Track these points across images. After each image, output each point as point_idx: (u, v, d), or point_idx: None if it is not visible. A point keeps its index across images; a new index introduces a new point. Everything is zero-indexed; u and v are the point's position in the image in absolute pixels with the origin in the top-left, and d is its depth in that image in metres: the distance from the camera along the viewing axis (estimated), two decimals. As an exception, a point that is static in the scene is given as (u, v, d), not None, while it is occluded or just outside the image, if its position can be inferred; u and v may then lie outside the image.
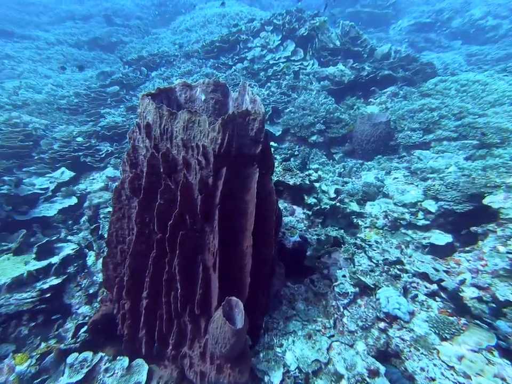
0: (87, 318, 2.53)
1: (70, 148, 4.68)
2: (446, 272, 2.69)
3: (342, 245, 3.07)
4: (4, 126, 5.22)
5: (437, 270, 2.73)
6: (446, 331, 2.21)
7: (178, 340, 2.16)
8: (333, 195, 3.80)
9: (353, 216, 3.59)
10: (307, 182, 3.70)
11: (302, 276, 2.96)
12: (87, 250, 3.07)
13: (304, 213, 3.62)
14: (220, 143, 1.96)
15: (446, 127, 4.63)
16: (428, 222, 3.30)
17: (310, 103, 5.68)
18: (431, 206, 3.33)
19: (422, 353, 2.19)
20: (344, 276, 2.76)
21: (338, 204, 3.63)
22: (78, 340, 2.28)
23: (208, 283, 2.13)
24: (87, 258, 2.93)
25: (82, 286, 2.69)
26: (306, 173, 3.94)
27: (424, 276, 2.72)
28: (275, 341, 2.44)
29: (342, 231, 3.34)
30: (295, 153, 4.85)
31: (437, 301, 2.52)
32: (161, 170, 2.07)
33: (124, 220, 2.24)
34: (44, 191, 4.03)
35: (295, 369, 2.21)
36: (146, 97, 2.09)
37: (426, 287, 2.64)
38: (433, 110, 4.95)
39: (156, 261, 2.09)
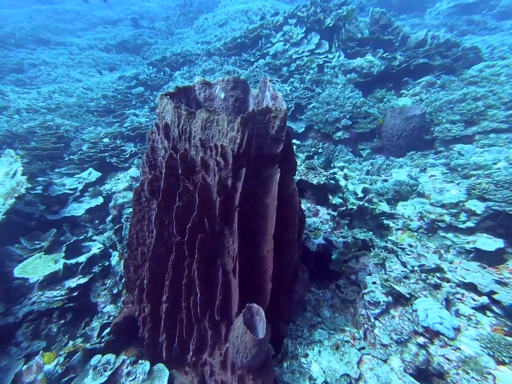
0: (111, 318, 2.58)
1: (97, 149, 4.86)
2: (499, 282, 2.39)
3: (371, 249, 2.86)
4: (39, 128, 5.55)
5: (487, 280, 2.44)
6: (504, 354, 1.94)
7: (198, 345, 2.12)
8: (360, 194, 3.57)
9: (383, 217, 3.35)
10: (332, 181, 3.51)
11: (327, 280, 2.81)
12: (111, 250, 3.15)
13: (328, 214, 3.44)
14: (239, 143, 1.88)
15: (494, 117, 4.16)
16: (472, 225, 2.97)
17: (335, 98, 5.42)
18: (477, 206, 2.99)
19: (473, 378, 1.94)
20: (374, 283, 2.56)
21: (366, 204, 3.41)
22: (103, 340, 2.32)
23: (228, 288, 2.07)
24: (111, 258, 3.01)
25: (107, 285, 2.75)
26: (331, 171, 3.75)
27: (471, 287, 2.44)
28: (299, 350, 2.32)
29: (371, 233, 3.12)
30: (319, 151, 4.65)
31: (488, 316, 2.24)
32: (180, 171, 2.02)
33: (143, 221, 2.24)
34: (72, 191, 4.21)
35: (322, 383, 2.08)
36: (165, 96, 2.05)
37: (474, 300, 2.36)
38: (478, 99, 4.49)
39: (175, 264, 2.06)
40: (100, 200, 4.19)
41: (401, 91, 5.54)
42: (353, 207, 3.28)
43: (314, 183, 3.56)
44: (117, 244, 3.19)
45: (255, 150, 1.98)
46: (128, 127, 5.43)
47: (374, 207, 3.36)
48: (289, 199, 2.14)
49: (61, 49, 13.20)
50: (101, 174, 4.57)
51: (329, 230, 3.20)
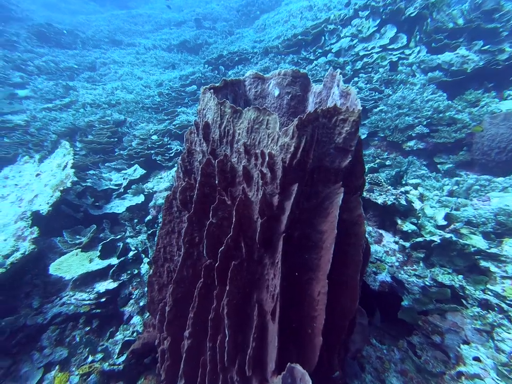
0: (135, 334, 2.40)
1: (145, 145, 4.94)
2: None
3: (464, 300, 2.18)
4: (97, 123, 5.92)
5: None
6: None
7: (220, 397, 1.77)
8: (441, 222, 2.86)
9: (479, 257, 2.59)
10: (403, 202, 2.88)
11: (394, 332, 2.22)
12: (143, 256, 3.02)
13: (396, 243, 2.82)
14: (293, 152, 1.48)
15: None
16: None
17: (410, 100, 4.65)
18: None
19: None
20: (477, 360, 1.89)
21: (451, 236, 2.69)
22: (122, 361, 2.14)
23: (265, 334, 1.68)
24: (141, 266, 2.87)
25: (134, 296, 2.60)
26: (402, 189, 3.10)
27: None
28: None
29: (461, 277, 2.42)
30: (386, 163, 3.98)
31: None
32: (217, 181, 1.71)
33: (173, 234, 1.98)
34: (117, 187, 4.29)
35: None
36: (208, 90, 1.76)
37: None
38: None
39: (202, 293, 1.74)
40: (141, 198, 4.19)
41: (508, 92, 4.47)
42: (434, 238, 2.60)
43: (379, 203, 2.97)
44: (149, 250, 3.05)
45: (312, 162, 1.57)
46: (177, 125, 5.45)
47: (466, 242, 2.62)
48: (353, 227, 1.67)
49: (130, 49, 14.44)
50: (145, 171, 4.61)
51: (397, 264, 2.59)
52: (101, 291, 2.67)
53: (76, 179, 3.53)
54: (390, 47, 5.84)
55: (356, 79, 5.97)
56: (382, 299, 2.30)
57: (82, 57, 12.21)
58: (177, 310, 1.80)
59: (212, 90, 1.74)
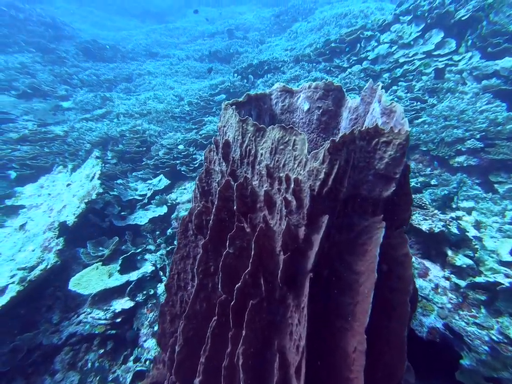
0: (147, 363, 2.29)
1: (171, 155, 4.97)
2: None
3: None
4: (128, 132, 6.12)
5: None
6: None
7: None
8: (507, 257, 2.42)
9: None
10: (454, 230, 2.50)
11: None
12: (161, 273, 2.94)
13: (447, 278, 2.43)
14: (323, 179, 1.28)
15: None
16: None
17: (460, 111, 4.19)
18: None
19: None
20: None
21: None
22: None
23: (284, 389, 1.45)
24: (158, 285, 2.78)
25: (149, 319, 2.50)
26: (453, 214, 2.71)
27: None
28: None
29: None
30: (432, 182, 3.56)
31: None
32: (235, 207, 1.54)
33: (188, 260, 1.84)
34: (142, 198, 4.32)
35: None
36: (230, 106, 1.62)
37: None
38: None
39: (216, 334, 1.57)
40: (164, 209, 4.17)
41: None
42: (499, 279, 2.19)
43: (424, 229, 2.61)
44: (167, 268, 2.96)
45: (347, 190, 1.34)
46: (203, 135, 5.45)
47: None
48: (398, 269, 1.40)
49: (164, 61, 15.14)
50: (169, 181, 4.61)
51: (450, 306, 2.21)
52: (117, 310, 2.61)
53: (101, 190, 3.59)
54: (436, 53, 5.38)
55: (394, 87, 5.58)
56: (431, 350, 1.95)
57: (121, 69, 13.00)
58: (188, 349, 1.64)
59: (233, 107, 1.59)
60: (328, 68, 7.50)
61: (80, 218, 3.48)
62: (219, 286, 1.56)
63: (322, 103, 1.90)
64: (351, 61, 7.36)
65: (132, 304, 2.66)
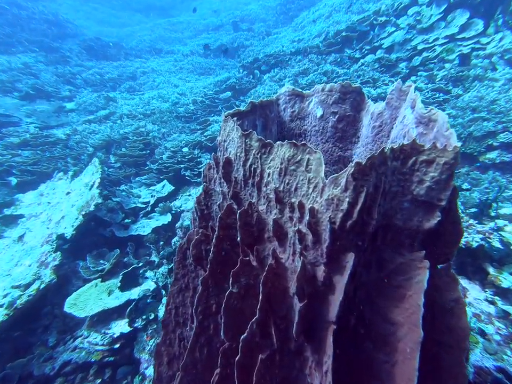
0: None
1: (175, 159, 4.77)
2: None
3: None
4: (131, 135, 5.95)
5: None
6: None
7: None
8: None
9: None
10: (496, 244, 2.20)
11: None
12: (164, 292, 2.75)
13: (491, 302, 2.14)
14: (347, 211, 1.03)
15: None
16: None
17: (490, 101, 3.81)
18: None
19: None
20: None
21: None
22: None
23: None
24: (159, 308, 2.59)
25: (149, 347, 2.32)
26: (492, 224, 2.40)
27: None
28: None
29: None
30: (463, 186, 3.22)
31: None
32: (239, 238, 1.31)
33: (187, 292, 1.63)
34: (145, 205, 4.14)
35: None
36: (231, 118, 1.37)
37: None
38: None
39: (218, 385, 1.34)
40: (168, 218, 3.99)
41: None
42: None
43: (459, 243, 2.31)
44: (169, 286, 2.77)
45: (377, 221, 1.09)
46: (208, 136, 5.22)
47: None
48: (447, 318, 1.15)
49: (169, 57, 14.91)
50: (173, 187, 4.42)
51: (499, 338, 1.91)
52: (116, 335, 2.43)
53: (100, 201, 3.42)
54: (460, 36, 4.92)
55: (413, 77, 5.19)
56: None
57: (125, 67, 12.84)
58: (187, 401, 1.43)
59: (235, 118, 1.34)
60: (339, 59, 7.11)
61: (80, 229, 3.32)
62: (222, 333, 1.34)
63: (338, 107, 1.63)
64: (363, 50, 6.94)
65: (131, 328, 2.48)
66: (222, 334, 1.33)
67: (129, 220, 4.05)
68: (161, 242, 3.79)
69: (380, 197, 1.06)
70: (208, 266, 1.38)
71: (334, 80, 5.82)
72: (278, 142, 1.24)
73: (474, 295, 2.15)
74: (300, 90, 1.62)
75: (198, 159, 4.70)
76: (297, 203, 1.18)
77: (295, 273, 1.22)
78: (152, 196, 4.22)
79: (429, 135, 1.18)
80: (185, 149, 5.04)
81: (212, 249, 1.38)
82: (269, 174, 1.30)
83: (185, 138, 5.61)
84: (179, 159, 4.66)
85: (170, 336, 1.65)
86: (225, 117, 1.41)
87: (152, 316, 2.47)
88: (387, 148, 1.02)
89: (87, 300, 2.66)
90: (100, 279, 2.96)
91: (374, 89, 5.13)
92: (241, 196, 1.41)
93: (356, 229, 1.06)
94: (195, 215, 1.59)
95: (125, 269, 3.28)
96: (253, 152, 1.31)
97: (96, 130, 6.55)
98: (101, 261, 3.38)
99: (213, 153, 1.50)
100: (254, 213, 1.32)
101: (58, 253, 3.01)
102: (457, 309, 1.11)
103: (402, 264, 1.11)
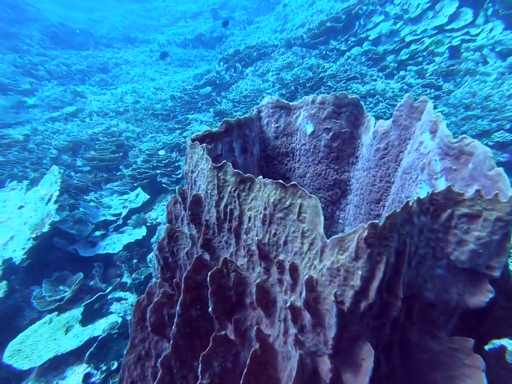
0: None
1: (150, 164, 4.33)
2: None
3: None
4: (102, 135, 5.42)
5: None
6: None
7: None
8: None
9: None
10: None
11: None
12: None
13: None
14: (360, 288, 0.72)
15: None
16: None
17: (484, 97, 3.62)
18: None
19: None
20: None
21: None
22: None
23: None
24: (125, 351, 2.23)
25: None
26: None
27: None
28: None
29: None
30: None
31: None
32: (210, 307, 0.98)
33: (148, 361, 1.30)
34: (115, 218, 3.72)
35: None
36: (198, 144, 1.03)
37: None
38: None
39: None
40: (142, 231, 3.61)
41: None
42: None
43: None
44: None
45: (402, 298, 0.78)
46: (187, 137, 4.79)
47: None
48: None
49: (143, 47, 14.05)
50: (149, 196, 4.01)
51: None
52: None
53: (57, 219, 2.97)
54: (449, 27, 4.69)
55: (402, 72, 4.95)
56: None
57: (95, 58, 11.93)
58: None
59: (204, 145, 1.00)
60: (324, 51, 6.79)
61: (33, 253, 2.88)
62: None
63: (332, 123, 1.31)
64: (349, 42, 6.65)
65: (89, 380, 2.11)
66: (191, 434, 1.01)
67: (99, 233, 3.63)
68: (135, 260, 3.40)
69: (404, 266, 0.75)
70: (171, 342, 1.05)
71: (320, 75, 5.50)
72: (259, 178, 0.91)
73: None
74: (286, 102, 1.29)
75: (176, 163, 4.29)
76: (288, 264, 0.87)
77: (287, 359, 0.91)
78: (124, 207, 3.80)
79: (460, 173, 0.88)
80: (161, 152, 4.60)
81: (175, 319, 1.04)
82: (249, 218, 0.97)
83: (162, 138, 5.15)
84: (155, 164, 4.23)
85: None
86: (192, 141, 1.06)
87: (115, 365, 2.09)
88: (412, 201, 0.72)
89: (36, 343, 2.23)
90: (55, 313, 2.55)
91: (363, 86, 4.87)
92: (215, 244, 1.08)
93: (373, 312, 0.76)
94: (156, 266, 1.24)
95: (90, 295, 2.90)
96: (228, 189, 0.98)
97: (61, 130, 5.95)
98: (61, 287, 2.97)
99: (178, 186, 1.15)
100: (230, 271, 0.99)
101: (4, 282, 2.58)
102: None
103: (439, 353, 0.82)
